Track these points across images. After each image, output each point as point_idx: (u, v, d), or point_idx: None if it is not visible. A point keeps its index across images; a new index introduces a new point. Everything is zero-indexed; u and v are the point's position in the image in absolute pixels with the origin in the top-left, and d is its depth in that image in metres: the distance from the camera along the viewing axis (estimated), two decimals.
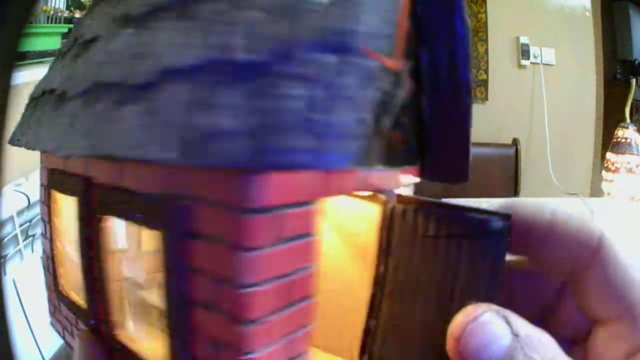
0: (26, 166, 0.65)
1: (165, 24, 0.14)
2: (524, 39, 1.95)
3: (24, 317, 0.58)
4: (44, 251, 0.25)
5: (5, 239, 0.56)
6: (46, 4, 0.74)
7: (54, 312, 0.25)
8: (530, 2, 1.93)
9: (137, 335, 0.18)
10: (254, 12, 0.12)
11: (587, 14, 1.95)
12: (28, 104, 0.25)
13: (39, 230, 0.63)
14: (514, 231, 0.15)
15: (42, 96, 0.22)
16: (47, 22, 0.72)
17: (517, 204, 0.17)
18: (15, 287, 0.57)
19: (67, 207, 0.22)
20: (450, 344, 0.15)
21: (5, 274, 0.55)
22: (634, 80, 0.77)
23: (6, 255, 0.56)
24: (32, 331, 0.60)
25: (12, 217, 0.57)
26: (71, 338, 0.23)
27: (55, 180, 0.22)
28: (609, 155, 0.71)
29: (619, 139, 0.71)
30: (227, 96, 0.11)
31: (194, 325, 0.13)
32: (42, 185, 0.24)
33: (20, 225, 0.59)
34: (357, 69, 0.12)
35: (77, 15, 0.87)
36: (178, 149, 0.12)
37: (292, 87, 0.11)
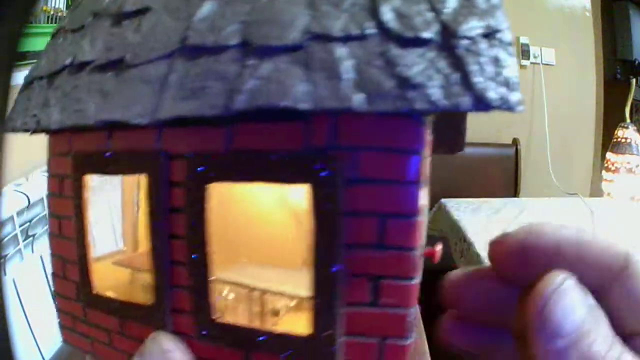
0: (26, 166, 0.65)
1: None
2: (524, 39, 1.95)
3: (24, 317, 0.58)
4: (57, 253, 0.21)
5: (5, 239, 0.56)
6: (46, 4, 0.74)
7: (72, 324, 0.21)
8: (530, 2, 1.93)
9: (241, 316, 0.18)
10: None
11: (587, 14, 1.95)
12: (29, 86, 0.22)
13: (39, 230, 0.63)
14: (542, 252, 0.16)
15: (65, 70, 0.20)
16: (47, 22, 0.72)
17: (535, 228, 0.17)
18: (15, 287, 0.57)
19: (120, 190, 0.20)
20: (532, 309, 0.15)
21: (5, 274, 0.55)
22: (634, 80, 0.78)
23: (6, 255, 0.56)
24: (32, 331, 0.60)
25: (12, 217, 0.57)
26: (106, 349, 0.20)
27: (98, 162, 0.19)
28: (609, 155, 0.71)
29: (619, 139, 0.71)
30: (413, 58, 0.14)
31: (351, 268, 0.15)
32: (57, 175, 0.21)
33: (20, 225, 0.59)
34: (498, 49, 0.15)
35: None
36: (367, 100, 0.13)
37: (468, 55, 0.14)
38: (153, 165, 0.17)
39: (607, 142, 0.74)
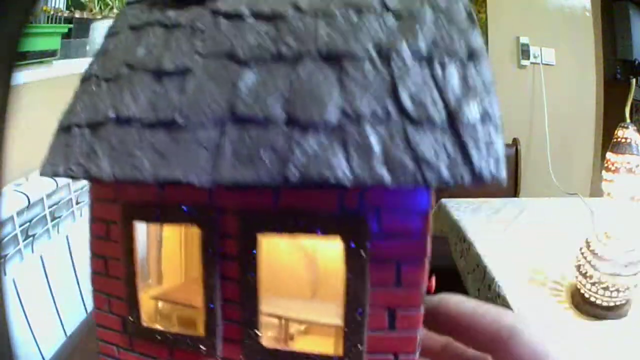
0: (26, 166, 0.65)
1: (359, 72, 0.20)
2: (524, 39, 1.95)
3: (24, 317, 0.58)
4: (101, 290, 0.24)
5: (5, 239, 0.56)
6: (46, 4, 0.74)
7: (116, 354, 0.25)
8: (530, 2, 1.93)
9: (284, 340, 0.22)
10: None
11: (587, 14, 1.95)
12: (68, 131, 0.23)
13: (39, 230, 0.63)
14: (443, 318, 0.22)
15: (109, 123, 0.22)
16: (47, 22, 0.72)
17: (445, 299, 0.22)
18: (15, 287, 0.57)
19: (169, 237, 0.24)
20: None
21: (5, 274, 0.55)
22: (634, 80, 0.77)
23: (6, 255, 0.56)
24: (32, 331, 0.60)
25: (12, 217, 0.57)
26: None
27: (149, 212, 0.22)
28: (609, 155, 0.71)
29: (619, 139, 0.71)
30: (430, 142, 0.18)
31: (374, 302, 0.19)
32: (103, 220, 0.23)
33: (20, 225, 0.59)
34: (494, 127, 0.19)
35: (77, 15, 0.87)
36: (393, 176, 0.17)
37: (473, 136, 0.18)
38: (207, 218, 0.21)
39: (607, 142, 0.74)
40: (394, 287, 0.20)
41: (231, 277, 0.21)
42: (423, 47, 0.20)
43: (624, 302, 0.74)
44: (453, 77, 0.20)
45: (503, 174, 0.17)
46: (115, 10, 0.99)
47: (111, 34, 0.26)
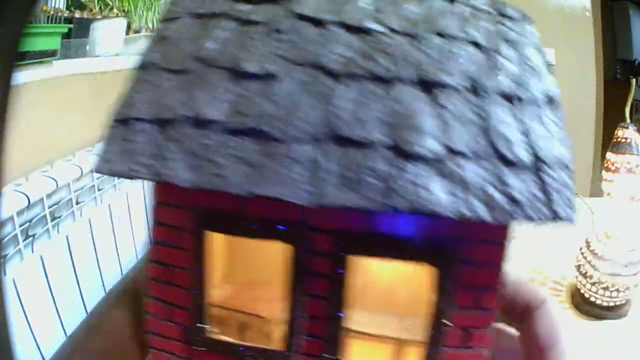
0: (26, 166, 0.65)
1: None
2: None
3: (24, 317, 0.58)
4: (161, 298, 0.23)
5: (5, 239, 0.56)
6: (46, 4, 0.74)
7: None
8: (530, 2, 1.93)
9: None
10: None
11: (587, 14, 1.95)
12: (125, 124, 0.21)
13: (39, 230, 0.63)
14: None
15: (182, 122, 0.20)
16: (47, 22, 0.72)
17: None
18: (15, 287, 0.57)
19: (251, 252, 0.23)
20: None
21: (5, 274, 0.55)
22: (634, 80, 0.77)
23: (6, 255, 0.56)
24: (32, 331, 0.60)
25: (12, 217, 0.57)
26: None
27: (226, 220, 0.21)
28: (609, 155, 0.71)
29: (619, 139, 0.70)
30: (519, 183, 0.19)
31: (454, 322, 0.21)
32: (169, 225, 0.22)
33: (20, 225, 0.59)
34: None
35: (77, 15, 0.87)
36: (488, 212, 0.18)
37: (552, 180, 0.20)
38: (298, 236, 0.20)
39: (607, 142, 0.74)
40: (472, 310, 0.21)
41: (318, 294, 0.21)
42: (508, 86, 0.21)
43: (624, 302, 0.74)
44: (535, 120, 0.21)
45: (575, 216, 0.20)
46: (115, 11, 0.99)
47: (169, 18, 0.24)
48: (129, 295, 0.74)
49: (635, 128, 0.69)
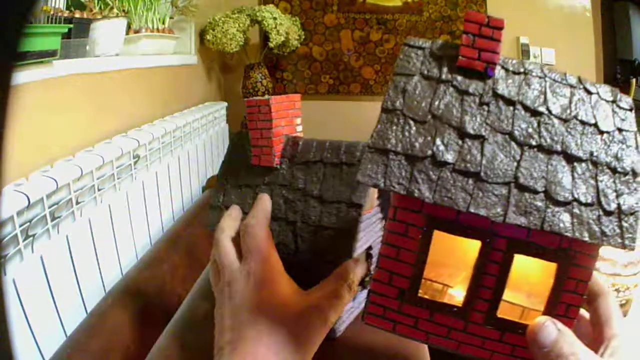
0: (26, 166, 0.65)
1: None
2: (524, 39, 1.95)
3: (24, 317, 0.58)
4: (387, 268, 0.34)
5: (5, 239, 0.56)
6: (46, 4, 0.74)
7: (383, 313, 0.35)
8: (530, 2, 1.93)
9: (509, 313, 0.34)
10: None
11: (587, 14, 1.95)
12: (383, 153, 0.33)
13: (39, 230, 0.63)
14: None
15: (426, 160, 0.32)
16: (47, 22, 0.72)
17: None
18: (15, 287, 0.57)
19: (454, 245, 0.34)
20: (530, 336, 0.32)
21: (5, 274, 0.55)
22: (634, 80, 0.77)
23: (6, 255, 0.56)
24: (32, 331, 0.60)
25: (12, 217, 0.57)
26: (408, 329, 0.35)
27: (445, 224, 0.33)
28: None
29: None
30: (608, 223, 0.32)
31: (562, 298, 0.33)
32: (404, 222, 0.33)
33: (20, 225, 0.59)
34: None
35: (77, 15, 0.87)
36: (589, 237, 0.32)
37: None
38: (487, 237, 0.33)
39: None
40: (573, 293, 0.33)
41: (491, 273, 0.33)
42: (611, 161, 0.34)
43: (624, 302, 0.74)
44: (624, 185, 0.34)
45: (634, 245, 0.32)
46: (115, 11, 0.99)
47: (405, 73, 0.36)
48: (129, 295, 0.74)
49: None
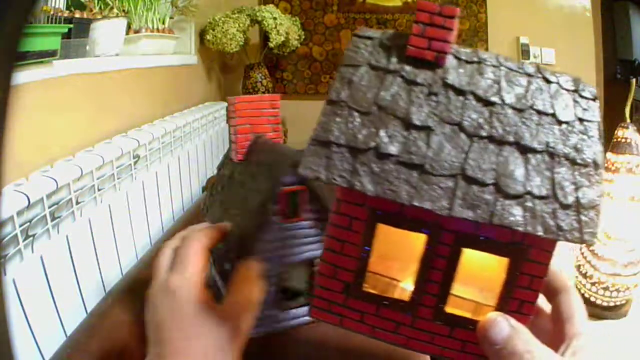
0: (26, 166, 0.65)
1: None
2: (524, 39, 1.95)
3: (24, 317, 0.58)
4: (331, 262, 0.34)
5: (5, 239, 0.56)
6: (46, 4, 0.74)
7: (328, 307, 0.35)
8: (530, 2, 1.93)
9: (456, 308, 0.33)
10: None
11: (587, 14, 1.95)
12: (326, 145, 0.31)
13: (39, 230, 0.63)
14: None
15: (369, 152, 0.31)
16: (47, 22, 0.72)
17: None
18: (15, 287, 0.57)
19: (399, 239, 0.33)
20: (481, 333, 0.31)
21: (5, 274, 0.55)
22: (634, 80, 0.77)
23: (6, 255, 0.56)
24: (32, 331, 0.60)
25: (12, 217, 0.57)
26: (355, 323, 0.34)
27: (389, 217, 0.32)
28: (609, 155, 0.71)
29: (619, 139, 0.70)
30: (564, 217, 0.30)
31: (515, 294, 0.32)
32: (347, 215, 0.33)
33: (20, 225, 0.59)
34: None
35: (77, 15, 0.87)
36: (544, 231, 0.30)
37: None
38: (434, 231, 0.32)
39: (607, 142, 0.74)
40: (526, 289, 0.32)
41: (438, 268, 0.32)
42: (570, 152, 0.32)
43: (624, 302, 0.74)
44: (583, 177, 0.32)
45: (595, 240, 0.31)
46: (115, 11, 0.99)
47: (352, 64, 0.34)
48: (129, 295, 0.74)
49: (635, 128, 0.69)
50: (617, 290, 0.71)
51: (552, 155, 0.32)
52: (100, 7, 0.97)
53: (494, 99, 0.33)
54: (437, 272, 0.32)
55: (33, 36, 0.68)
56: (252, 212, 0.49)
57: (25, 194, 0.58)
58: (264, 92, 1.72)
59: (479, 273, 0.33)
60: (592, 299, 0.74)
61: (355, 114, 0.32)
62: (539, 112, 0.33)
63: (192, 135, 1.27)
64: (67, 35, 0.80)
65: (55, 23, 0.73)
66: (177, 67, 1.37)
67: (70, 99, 0.81)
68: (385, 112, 0.32)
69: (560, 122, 0.33)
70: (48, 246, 0.64)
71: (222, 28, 1.52)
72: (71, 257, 0.69)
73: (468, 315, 0.33)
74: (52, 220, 0.65)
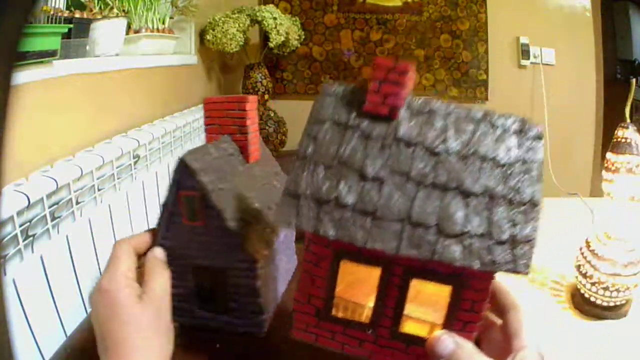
0: (26, 166, 0.65)
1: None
2: (524, 39, 1.95)
3: (24, 317, 0.58)
4: (306, 292, 0.40)
5: (5, 239, 0.56)
6: (46, 4, 0.74)
7: (305, 328, 0.41)
8: (530, 2, 1.93)
9: (408, 329, 0.39)
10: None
11: (587, 14, 1.95)
12: (295, 197, 0.37)
13: (39, 230, 0.63)
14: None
15: (330, 202, 0.36)
16: (47, 22, 0.72)
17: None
18: (15, 287, 0.57)
19: (359, 271, 0.39)
20: (429, 348, 0.37)
21: (5, 274, 0.55)
22: (634, 80, 0.77)
23: (6, 255, 0.56)
24: (32, 331, 0.60)
25: (12, 217, 0.57)
26: (328, 340, 0.41)
27: (349, 255, 0.38)
28: (609, 155, 0.71)
29: (619, 139, 0.70)
30: (499, 252, 0.35)
31: (459, 316, 0.37)
32: (316, 254, 0.39)
33: (20, 225, 0.59)
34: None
35: (77, 15, 0.87)
36: (480, 266, 0.34)
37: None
38: (386, 265, 0.37)
39: (607, 142, 0.74)
40: (469, 312, 0.37)
41: (392, 295, 0.38)
42: (509, 193, 0.36)
43: (624, 302, 0.74)
44: (520, 214, 0.36)
45: (529, 271, 0.35)
46: (115, 11, 0.99)
47: (318, 120, 0.40)
48: None
49: (635, 128, 0.69)
50: (617, 290, 0.71)
51: (492, 197, 0.36)
52: (100, 7, 0.97)
53: (440, 148, 0.38)
54: (391, 298, 0.38)
55: (33, 36, 0.68)
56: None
57: (25, 194, 0.58)
58: (264, 93, 1.72)
59: (429, 298, 0.38)
60: (592, 299, 0.74)
61: (320, 168, 0.38)
62: (482, 158, 0.38)
63: (192, 135, 1.27)
64: (67, 35, 0.80)
65: (55, 23, 0.73)
66: (177, 67, 1.37)
67: (70, 99, 0.81)
68: (344, 166, 0.38)
69: (501, 166, 0.38)
70: (48, 246, 0.64)
71: (222, 28, 1.52)
72: (71, 257, 0.69)
73: (423, 333, 0.39)
74: (52, 220, 0.65)
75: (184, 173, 0.49)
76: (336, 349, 0.41)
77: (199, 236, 0.51)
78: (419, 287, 0.38)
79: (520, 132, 0.39)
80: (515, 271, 0.34)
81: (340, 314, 0.40)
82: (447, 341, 0.36)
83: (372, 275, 0.38)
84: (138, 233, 0.49)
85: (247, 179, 0.56)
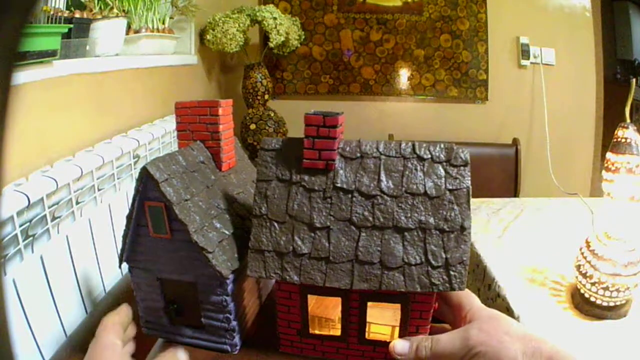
0: (26, 166, 0.65)
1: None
2: (524, 39, 1.94)
3: (24, 317, 0.58)
4: (285, 318, 0.49)
5: (5, 239, 0.56)
6: (46, 4, 0.74)
7: (290, 344, 0.51)
8: (530, 2, 1.93)
9: (372, 337, 0.49)
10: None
11: (587, 14, 1.95)
12: (259, 252, 0.46)
13: (39, 230, 0.63)
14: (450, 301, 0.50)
15: (290, 254, 0.45)
16: (47, 22, 0.72)
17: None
18: (15, 287, 0.57)
19: (325, 299, 0.51)
20: (390, 351, 0.47)
21: (5, 274, 0.55)
22: (634, 80, 0.77)
23: (6, 255, 0.56)
24: (32, 331, 0.60)
25: (12, 217, 0.57)
26: (312, 351, 0.51)
27: (314, 289, 0.46)
28: (609, 155, 0.71)
29: (619, 139, 0.70)
30: (436, 275, 0.44)
31: (411, 322, 0.47)
32: (286, 291, 0.47)
33: (20, 225, 0.59)
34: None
35: (77, 15, 0.87)
36: (420, 288, 0.43)
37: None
38: (345, 295, 0.46)
39: (607, 142, 0.74)
40: (418, 319, 0.46)
41: (354, 314, 0.47)
42: (440, 223, 0.42)
43: (624, 302, 0.74)
44: (452, 240, 0.42)
45: (464, 287, 0.42)
46: (115, 11, 0.99)
47: (265, 179, 0.46)
48: (129, 296, 0.74)
49: (635, 128, 0.69)
50: (617, 290, 0.71)
51: (424, 229, 0.43)
52: (100, 7, 0.97)
53: (375, 192, 0.44)
54: (354, 316, 0.47)
55: (33, 36, 0.68)
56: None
57: (25, 194, 0.58)
58: (264, 92, 1.72)
59: (386, 311, 0.48)
60: (592, 299, 0.74)
61: (275, 224, 0.45)
62: (413, 194, 0.43)
63: None
64: (67, 35, 0.80)
65: (55, 23, 0.73)
66: (177, 67, 1.37)
67: (70, 99, 0.80)
68: (295, 220, 0.45)
69: (431, 199, 0.43)
70: (48, 246, 0.64)
71: (222, 28, 1.51)
72: (71, 257, 0.69)
73: (386, 337, 0.48)
74: (52, 220, 0.65)
75: (148, 183, 0.46)
76: (318, 356, 0.51)
77: (166, 249, 0.49)
78: (373, 308, 0.47)
79: (448, 161, 0.44)
80: (451, 289, 0.42)
81: (316, 331, 0.50)
82: (400, 344, 0.46)
83: (335, 302, 0.48)
84: (119, 308, 0.50)
85: (217, 188, 0.54)
